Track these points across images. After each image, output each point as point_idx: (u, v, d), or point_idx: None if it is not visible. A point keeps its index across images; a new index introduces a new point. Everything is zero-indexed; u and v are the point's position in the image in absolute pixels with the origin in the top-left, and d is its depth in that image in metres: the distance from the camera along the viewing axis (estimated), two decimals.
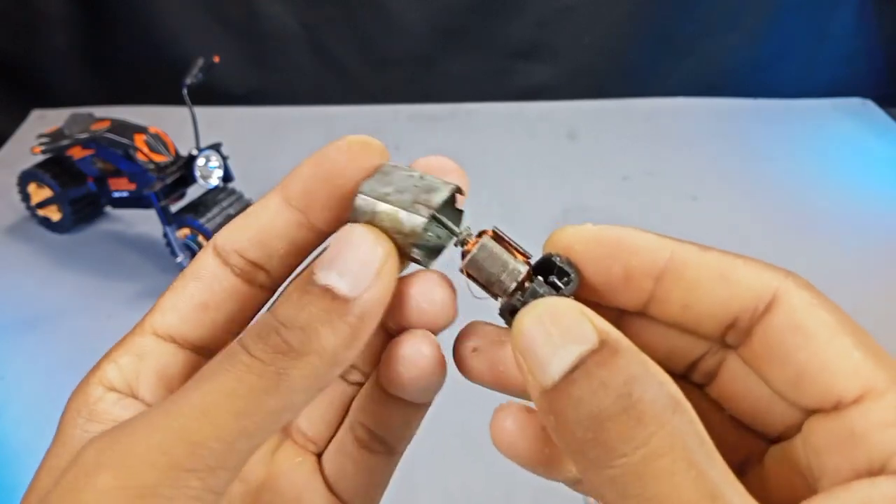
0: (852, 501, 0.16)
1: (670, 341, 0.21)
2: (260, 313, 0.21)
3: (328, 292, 0.18)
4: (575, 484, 0.21)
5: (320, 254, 0.20)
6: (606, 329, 0.17)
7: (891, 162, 0.94)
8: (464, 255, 0.21)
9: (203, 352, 0.22)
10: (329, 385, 0.19)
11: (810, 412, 0.18)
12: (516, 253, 0.20)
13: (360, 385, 0.24)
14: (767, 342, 0.18)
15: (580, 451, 0.17)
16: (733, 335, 0.20)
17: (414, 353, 0.21)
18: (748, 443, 0.21)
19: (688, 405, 0.17)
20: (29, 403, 0.61)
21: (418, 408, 0.23)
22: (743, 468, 0.21)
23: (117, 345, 0.21)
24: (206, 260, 0.22)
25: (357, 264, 0.19)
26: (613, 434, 0.16)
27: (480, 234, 0.21)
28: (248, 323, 0.22)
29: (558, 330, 0.17)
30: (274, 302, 0.21)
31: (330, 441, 0.24)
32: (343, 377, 0.24)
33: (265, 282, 0.22)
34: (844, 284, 0.73)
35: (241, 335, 0.19)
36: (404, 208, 0.20)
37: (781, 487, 0.19)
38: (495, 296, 0.20)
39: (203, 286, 0.22)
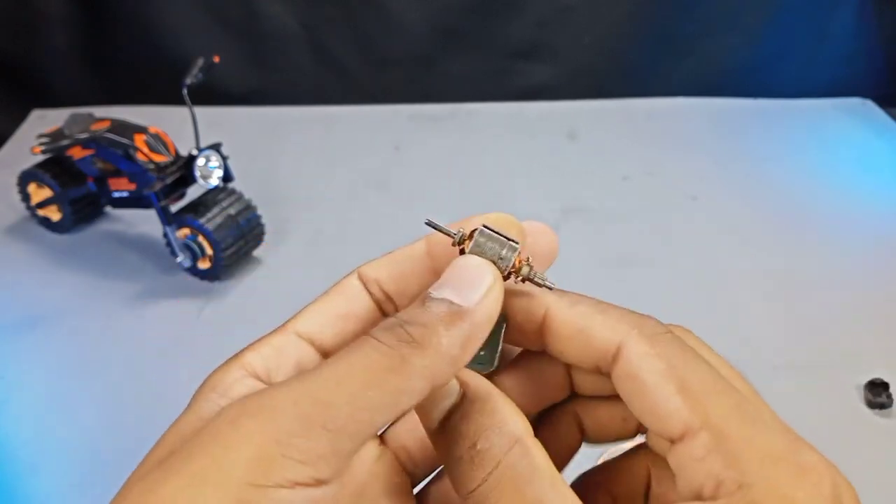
0: None
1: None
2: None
3: (445, 302, 0.21)
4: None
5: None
6: (468, 381, 0.23)
7: (891, 162, 0.94)
8: (462, 251, 0.24)
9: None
10: (445, 383, 0.22)
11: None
12: (507, 239, 0.24)
13: None
14: (619, 382, 0.23)
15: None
16: (605, 373, 0.24)
17: None
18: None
19: (531, 443, 0.21)
20: (29, 403, 0.61)
21: None
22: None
23: (260, 339, 0.24)
24: (352, 281, 0.26)
25: (470, 282, 0.22)
26: (463, 459, 0.21)
27: (472, 234, 0.24)
28: None
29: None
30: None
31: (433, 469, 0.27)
32: None
33: (393, 313, 0.25)
34: (844, 284, 0.74)
35: (369, 333, 0.22)
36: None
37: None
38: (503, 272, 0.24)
39: (345, 300, 0.26)
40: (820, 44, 1.06)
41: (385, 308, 0.26)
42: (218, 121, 0.83)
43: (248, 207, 0.73)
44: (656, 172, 0.91)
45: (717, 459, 0.19)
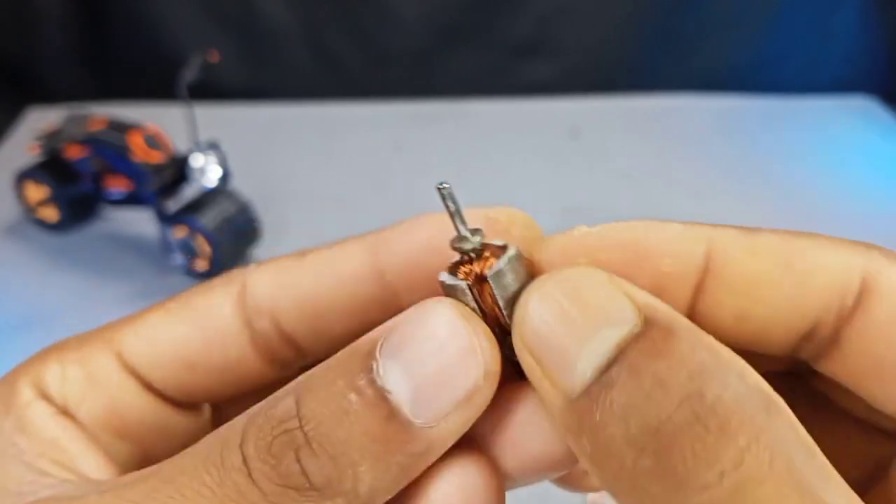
0: None
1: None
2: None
3: (384, 405, 0.12)
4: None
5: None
6: (652, 304, 0.12)
7: (895, 159, 0.93)
8: (449, 282, 0.15)
9: (174, 405, 0.16)
10: None
11: None
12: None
13: None
14: (865, 350, 0.13)
15: (634, 487, 0.11)
16: (811, 347, 0.14)
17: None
18: (870, 448, 0.15)
19: (783, 403, 0.12)
20: None
21: None
22: (864, 483, 0.15)
23: (74, 341, 0.17)
24: (223, 306, 0.15)
25: (439, 370, 0.12)
26: (686, 455, 0.11)
27: (489, 254, 0.15)
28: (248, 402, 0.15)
29: (581, 309, 0.12)
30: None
31: None
32: None
33: (291, 361, 0.16)
34: None
35: (246, 427, 0.13)
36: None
37: None
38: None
39: (200, 338, 0.16)
40: (824, 41, 1.05)
41: (278, 357, 0.15)
42: (215, 118, 0.82)
43: (246, 207, 0.72)
44: (659, 170, 0.91)
45: None
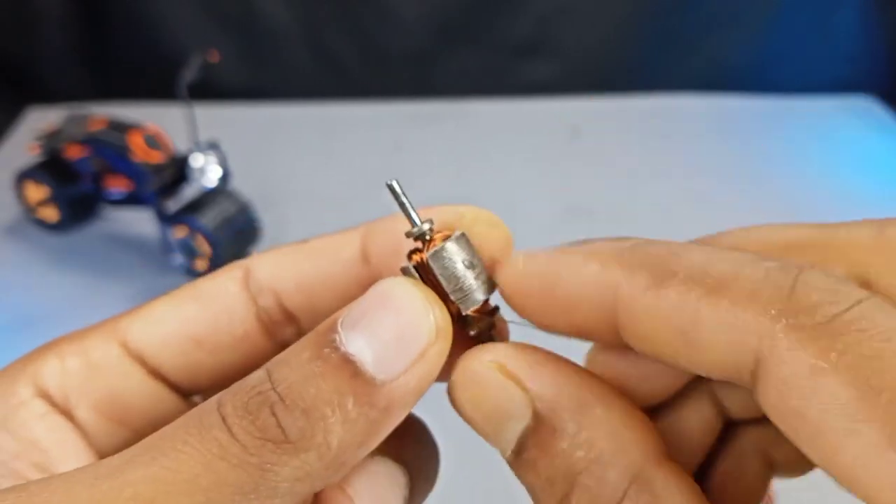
0: None
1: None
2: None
3: (349, 365, 0.14)
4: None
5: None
6: (543, 394, 0.14)
7: (894, 159, 0.93)
8: (410, 266, 0.17)
9: (177, 391, 0.17)
10: (329, 484, 0.14)
11: None
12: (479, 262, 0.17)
13: None
14: (771, 417, 0.13)
15: None
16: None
17: None
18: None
19: (654, 472, 0.13)
20: None
21: None
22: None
23: (74, 335, 0.17)
24: (228, 285, 0.17)
25: (396, 334, 0.14)
26: None
27: (434, 238, 0.17)
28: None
29: (492, 406, 0.15)
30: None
31: None
32: None
33: (290, 340, 0.17)
34: None
35: (221, 396, 0.14)
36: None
37: None
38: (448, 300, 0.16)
39: (208, 316, 0.17)
40: (824, 41, 1.05)
41: (277, 331, 0.17)
42: (215, 118, 0.82)
43: (246, 207, 0.72)
44: (660, 170, 0.91)
45: None
